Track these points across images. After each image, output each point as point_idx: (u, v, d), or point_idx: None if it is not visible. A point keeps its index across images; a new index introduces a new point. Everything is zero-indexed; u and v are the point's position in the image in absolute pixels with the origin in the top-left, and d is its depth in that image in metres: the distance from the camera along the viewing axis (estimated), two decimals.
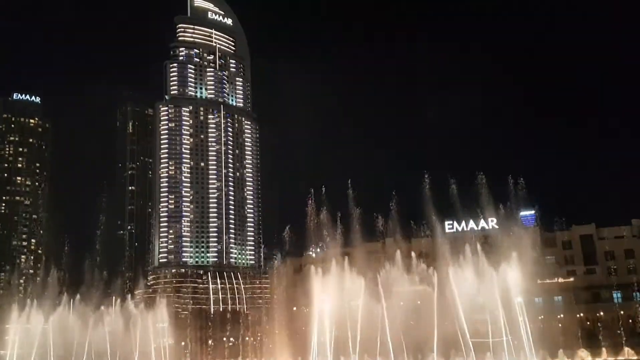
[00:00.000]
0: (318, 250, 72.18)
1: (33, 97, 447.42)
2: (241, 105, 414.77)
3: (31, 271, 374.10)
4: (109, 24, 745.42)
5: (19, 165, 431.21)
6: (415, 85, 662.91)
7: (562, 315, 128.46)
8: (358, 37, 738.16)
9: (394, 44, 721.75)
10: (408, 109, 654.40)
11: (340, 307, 64.95)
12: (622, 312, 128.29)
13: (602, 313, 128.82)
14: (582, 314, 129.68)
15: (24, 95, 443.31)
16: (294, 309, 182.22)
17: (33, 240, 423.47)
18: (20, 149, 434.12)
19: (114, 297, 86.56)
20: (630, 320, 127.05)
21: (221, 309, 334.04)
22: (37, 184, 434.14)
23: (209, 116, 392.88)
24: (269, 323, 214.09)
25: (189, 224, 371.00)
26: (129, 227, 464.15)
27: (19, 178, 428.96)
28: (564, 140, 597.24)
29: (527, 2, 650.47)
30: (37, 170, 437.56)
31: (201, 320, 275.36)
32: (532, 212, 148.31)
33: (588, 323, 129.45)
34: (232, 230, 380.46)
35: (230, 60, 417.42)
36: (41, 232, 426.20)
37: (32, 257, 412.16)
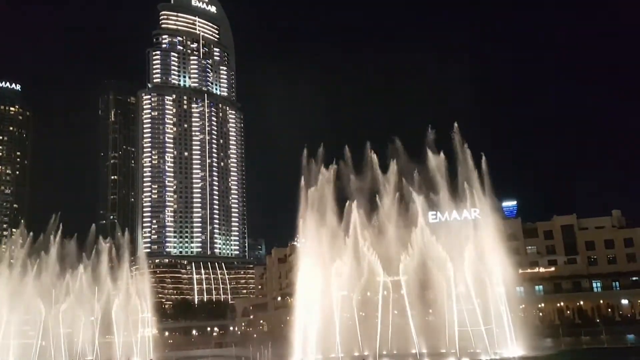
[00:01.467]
0: (303, 240, 72.10)
1: (13, 85, 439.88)
2: (225, 94, 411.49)
3: (12, 261, 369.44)
4: (91, 10, 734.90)
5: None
6: (397, 79, 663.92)
7: (542, 305, 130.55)
8: (343, 28, 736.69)
9: (380, 36, 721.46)
10: (393, 105, 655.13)
11: (325, 298, 65.11)
12: (601, 301, 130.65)
13: (582, 302, 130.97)
14: (562, 303, 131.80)
15: (4, 83, 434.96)
16: (279, 299, 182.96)
17: (14, 230, 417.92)
18: (1, 138, 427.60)
19: (96, 287, 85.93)
20: (610, 309, 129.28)
21: (205, 299, 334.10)
22: (17, 172, 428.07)
23: (193, 105, 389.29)
24: (253, 313, 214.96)
25: (172, 214, 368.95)
26: (111, 217, 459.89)
27: None
28: (545, 133, 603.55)
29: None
30: (18, 159, 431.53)
31: (185, 310, 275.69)
32: (514, 202, 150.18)
33: (568, 312, 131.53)
34: (217, 221, 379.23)
35: (214, 49, 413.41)
36: (22, 221, 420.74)
37: (12, 247, 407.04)
